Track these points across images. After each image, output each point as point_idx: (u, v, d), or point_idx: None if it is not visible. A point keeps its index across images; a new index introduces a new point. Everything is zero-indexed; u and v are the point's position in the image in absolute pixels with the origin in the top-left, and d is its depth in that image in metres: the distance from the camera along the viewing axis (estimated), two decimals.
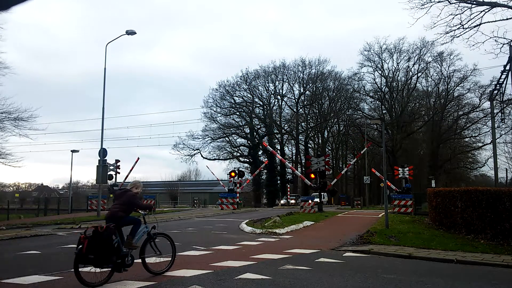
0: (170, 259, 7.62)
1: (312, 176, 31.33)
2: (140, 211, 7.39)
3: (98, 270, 6.53)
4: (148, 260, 7.24)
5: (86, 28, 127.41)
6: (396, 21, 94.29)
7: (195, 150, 58.60)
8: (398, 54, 54.54)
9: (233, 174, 37.61)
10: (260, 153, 61.26)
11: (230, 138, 61.04)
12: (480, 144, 54.94)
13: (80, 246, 6.37)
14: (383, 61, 55.48)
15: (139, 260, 7.12)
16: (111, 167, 36.87)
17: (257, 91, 60.81)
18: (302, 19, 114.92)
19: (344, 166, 67.68)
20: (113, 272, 6.71)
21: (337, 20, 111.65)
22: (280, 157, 45.84)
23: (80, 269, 6.34)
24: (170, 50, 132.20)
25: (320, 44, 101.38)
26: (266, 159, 60.57)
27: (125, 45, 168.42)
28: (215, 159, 61.06)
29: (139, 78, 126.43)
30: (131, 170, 44.29)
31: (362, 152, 43.04)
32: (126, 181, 44.16)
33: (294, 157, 63.86)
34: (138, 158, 42.83)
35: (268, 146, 45.55)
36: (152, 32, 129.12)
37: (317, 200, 30.34)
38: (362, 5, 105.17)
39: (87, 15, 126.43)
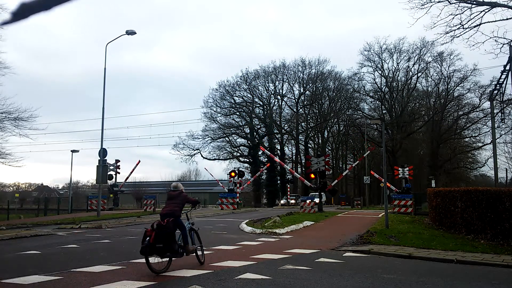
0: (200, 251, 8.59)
1: (312, 176, 31.34)
2: (185, 208, 8.54)
3: (159, 260, 7.41)
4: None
5: (86, 28, 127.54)
6: (396, 21, 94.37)
7: (195, 150, 58.68)
8: (398, 54, 54.65)
9: (233, 174, 37.62)
10: (260, 153, 61.25)
11: (230, 138, 61.12)
12: (480, 144, 55.02)
13: (148, 238, 7.24)
14: (383, 61, 55.58)
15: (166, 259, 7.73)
16: (111, 167, 36.93)
17: (257, 91, 60.91)
18: (302, 19, 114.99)
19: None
20: (171, 260, 7.60)
21: (337, 20, 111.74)
22: (279, 160, 45.83)
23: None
24: (170, 50, 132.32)
25: (320, 44, 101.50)
26: (266, 160, 60.66)
27: (125, 45, 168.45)
28: (215, 159, 61.15)
29: (139, 78, 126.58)
30: (131, 172, 44.80)
31: (364, 155, 42.95)
32: (127, 181, 44.64)
33: (294, 157, 63.89)
34: (139, 161, 43.17)
35: (265, 150, 45.71)
36: (152, 32, 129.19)
37: (317, 200, 30.33)
38: (362, 5, 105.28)
39: (86, 15, 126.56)
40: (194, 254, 8.15)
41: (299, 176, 44.37)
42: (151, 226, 7.44)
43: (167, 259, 7.53)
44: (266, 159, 61.00)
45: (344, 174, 47.53)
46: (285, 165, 46.49)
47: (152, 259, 7.25)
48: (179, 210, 8.12)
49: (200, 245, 8.58)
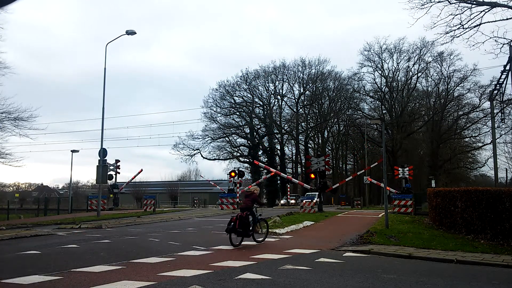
0: (264, 236, 12.39)
1: (312, 176, 31.31)
2: (255, 206, 12.05)
3: (236, 236, 11.16)
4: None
5: (85, 27, 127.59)
6: (396, 21, 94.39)
7: (195, 150, 58.67)
8: (398, 54, 54.65)
9: (233, 174, 37.60)
10: (260, 153, 61.30)
11: (230, 138, 61.11)
12: (480, 144, 54.98)
13: (233, 223, 11.01)
14: (383, 61, 55.58)
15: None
16: (111, 167, 36.92)
17: (257, 91, 60.91)
18: (300, 18, 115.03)
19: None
20: (243, 238, 11.31)
21: (336, 19, 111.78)
22: (275, 171, 45.93)
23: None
24: (168, 49, 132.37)
25: (319, 44, 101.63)
26: (266, 160, 60.68)
27: (124, 45, 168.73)
28: (215, 159, 61.16)
29: (138, 77, 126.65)
30: (132, 179, 46.60)
31: (372, 166, 42.70)
32: (131, 181, 45.96)
33: (294, 157, 63.91)
34: (141, 170, 44.16)
35: (260, 163, 46.01)
36: (151, 31, 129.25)
37: (316, 199, 30.31)
38: (362, 4, 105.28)
39: (85, 14, 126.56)
40: (253, 235, 11.73)
41: (297, 181, 44.51)
42: (236, 215, 11.22)
43: (241, 237, 11.24)
44: (266, 159, 61.03)
45: (347, 180, 47.70)
46: (282, 174, 46.61)
47: (234, 236, 11.13)
48: (252, 206, 11.75)
49: (267, 229, 12.70)
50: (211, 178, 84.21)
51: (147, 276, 7.10)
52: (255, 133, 60.76)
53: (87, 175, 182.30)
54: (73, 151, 40.35)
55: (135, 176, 47.18)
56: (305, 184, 40.20)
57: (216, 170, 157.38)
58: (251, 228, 11.43)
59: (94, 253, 10.19)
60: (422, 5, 17.37)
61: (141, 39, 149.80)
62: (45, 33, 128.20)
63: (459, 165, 59.28)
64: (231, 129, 60.39)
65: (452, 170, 57.25)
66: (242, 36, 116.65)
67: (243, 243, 11.38)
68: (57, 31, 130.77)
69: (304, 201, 28.99)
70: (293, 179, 46.39)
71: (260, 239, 11.99)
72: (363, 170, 43.26)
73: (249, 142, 60.87)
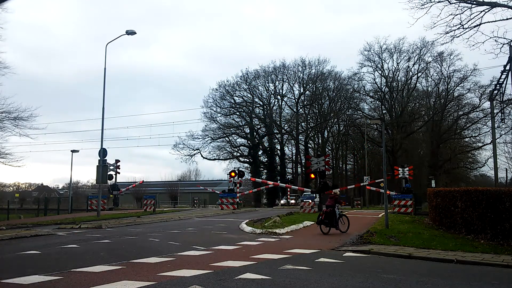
0: (346, 227, 15.28)
1: (312, 176, 31.30)
2: (337, 205, 15.36)
3: (325, 226, 14.87)
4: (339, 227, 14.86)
5: (84, 26, 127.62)
6: (396, 20, 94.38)
7: (195, 150, 58.59)
8: (398, 54, 54.56)
9: (233, 174, 37.60)
10: (260, 153, 61.25)
11: (230, 138, 61.03)
12: (480, 144, 54.91)
13: (321, 217, 14.96)
14: (383, 61, 55.49)
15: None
16: (111, 167, 36.88)
17: (257, 91, 60.82)
18: (300, 17, 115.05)
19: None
20: (330, 228, 14.84)
21: (336, 18, 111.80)
22: (272, 183, 46.19)
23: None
24: (168, 49, 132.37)
25: (319, 43, 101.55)
26: (266, 160, 60.68)
27: (123, 44, 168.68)
28: (215, 159, 61.08)
29: (138, 77, 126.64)
30: (132, 187, 48.23)
31: (377, 181, 42.39)
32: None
33: (294, 157, 63.86)
34: (143, 181, 45.50)
35: (256, 179, 46.32)
36: (150, 31, 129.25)
37: (317, 199, 30.32)
38: (362, 4, 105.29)
39: (84, 14, 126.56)
40: (339, 226, 14.98)
41: (297, 187, 44.56)
42: (322, 211, 15.25)
43: (329, 227, 14.84)
44: (266, 159, 61.02)
45: (348, 187, 47.74)
46: (280, 184, 46.88)
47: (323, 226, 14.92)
48: (334, 205, 15.11)
49: (348, 222, 15.43)
50: (211, 178, 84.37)
51: (147, 276, 7.10)
52: (255, 133, 60.71)
53: (87, 175, 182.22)
54: (73, 151, 40.33)
55: (135, 185, 48.99)
56: (305, 189, 40.36)
57: (216, 170, 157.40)
58: (335, 220, 14.89)
59: (94, 253, 10.19)
60: (422, 5, 17.36)
61: (141, 38, 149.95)
62: (44, 32, 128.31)
63: (459, 165, 59.25)
64: (231, 129, 60.33)
65: (452, 170, 57.20)
66: (242, 36, 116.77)
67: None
68: (57, 30, 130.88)
69: (304, 201, 28.98)
70: (292, 186, 46.69)
71: (344, 230, 14.98)
72: (367, 182, 42.98)
73: (249, 142, 60.83)
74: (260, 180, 45.95)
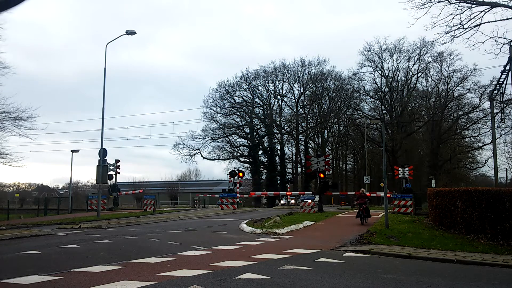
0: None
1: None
2: (367, 201, 19.09)
3: (363, 218, 18.56)
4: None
5: (83, 26, 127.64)
6: (396, 20, 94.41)
7: (195, 150, 58.60)
8: (398, 54, 54.55)
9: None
10: (260, 153, 61.24)
11: (230, 138, 61.03)
12: (480, 144, 54.90)
13: (361, 212, 18.53)
14: (383, 61, 55.49)
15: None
16: (111, 167, 36.85)
17: (257, 91, 60.83)
18: (299, 16, 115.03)
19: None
20: (363, 220, 18.46)
21: (335, 17, 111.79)
22: (272, 193, 46.38)
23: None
24: (168, 49, 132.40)
25: (319, 43, 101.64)
26: (266, 160, 60.66)
27: (123, 44, 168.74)
28: (215, 159, 61.08)
29: (137, 77, 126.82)
30: (132, 192, 48.62)
31: (377, 193, 42.46)
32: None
33: (294, 157, 63.85)
34: (143, 190, 46.26)
35: (255, 194, 46.51)
36: (150, 31, 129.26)
37: (317, 199, 30.32)
38: (362, 4, 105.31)
39: (83, 13, 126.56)
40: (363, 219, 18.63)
41: (297, 193, 44.59)
42: (362, 207, 18.63)
43: (365, 219, 18.53)
44: (266, 159, 61.00)
45: (349, 193, 47.73)
46: (281, 193, 47.13)
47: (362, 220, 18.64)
48: (365, 201, 18.80)
49: (369, 216, 18.96)
50: (211, 178, 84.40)
51: (147, 276, 7.10)
52: (255, 133, 60.71)
53: (87, 175, 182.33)
54: (73, 151, 40.33)
55: (134, 191, 49.39)
56: (305, 193, 40.39)
57: (216, 170, 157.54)
58: (369, 213, 18.86)
59: (94, 253, 10.18)
60: (422, 5, 17.38)
61: (140, 38, 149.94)
62: (44, 32, 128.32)
63: (459, 165, 59.23)
64: (231, 129, 60.33)
65: (452, 170, 57.20)
66: (241, 35, 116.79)
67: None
68: (56, 30, 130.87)
69: (304, 201, 29.00)
70: (292, 192, 46.99)
71: (366, 222, 18.61)
72: (368, 194, 43.00)
73: (249, 142, 60.82)
74: (260, 192, 46.28)
